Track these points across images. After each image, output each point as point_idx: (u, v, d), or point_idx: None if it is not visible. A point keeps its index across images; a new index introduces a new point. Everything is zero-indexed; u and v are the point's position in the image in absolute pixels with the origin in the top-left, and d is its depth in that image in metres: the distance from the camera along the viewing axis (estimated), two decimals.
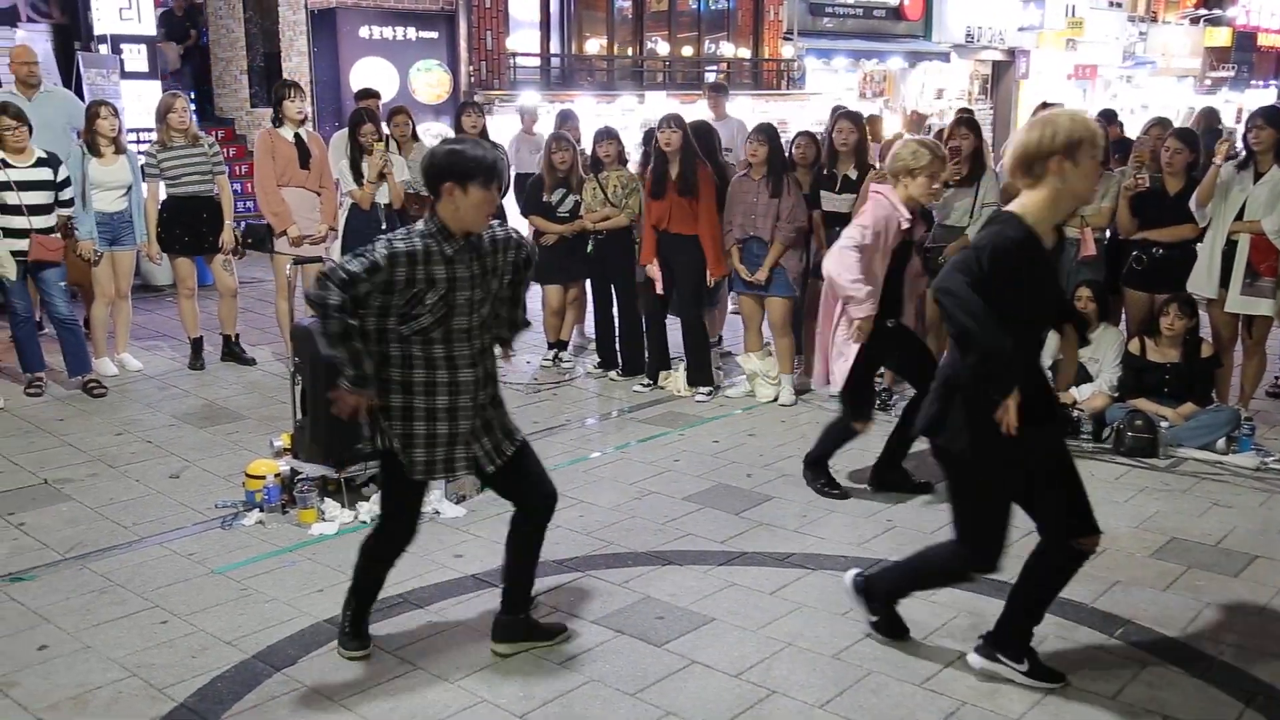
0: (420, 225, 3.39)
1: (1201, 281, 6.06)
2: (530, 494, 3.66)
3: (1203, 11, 27.99)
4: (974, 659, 3.59)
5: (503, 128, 11.57)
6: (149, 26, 10.86)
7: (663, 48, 17.31)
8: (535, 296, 8.02)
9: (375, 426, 3.51)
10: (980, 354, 3.12)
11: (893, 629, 3.81)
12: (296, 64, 13.51)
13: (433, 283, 3.33)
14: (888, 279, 5.02)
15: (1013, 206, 3.26)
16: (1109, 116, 9.20)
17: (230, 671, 3.61)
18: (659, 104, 15.20)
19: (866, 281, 4.88)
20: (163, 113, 7.35)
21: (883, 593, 3.78)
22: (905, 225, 4.97)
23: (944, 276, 3.19)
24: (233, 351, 7.72)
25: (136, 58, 10.58)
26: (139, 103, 10.13)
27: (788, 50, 18.47)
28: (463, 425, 3.48)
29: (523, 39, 15.18)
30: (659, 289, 6.95)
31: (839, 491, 5.24)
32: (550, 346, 7.78)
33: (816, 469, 5.34)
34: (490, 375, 3.57)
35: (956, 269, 3.17)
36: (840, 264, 4.91)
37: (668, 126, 6.65)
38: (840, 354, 5.05)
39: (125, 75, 10.43)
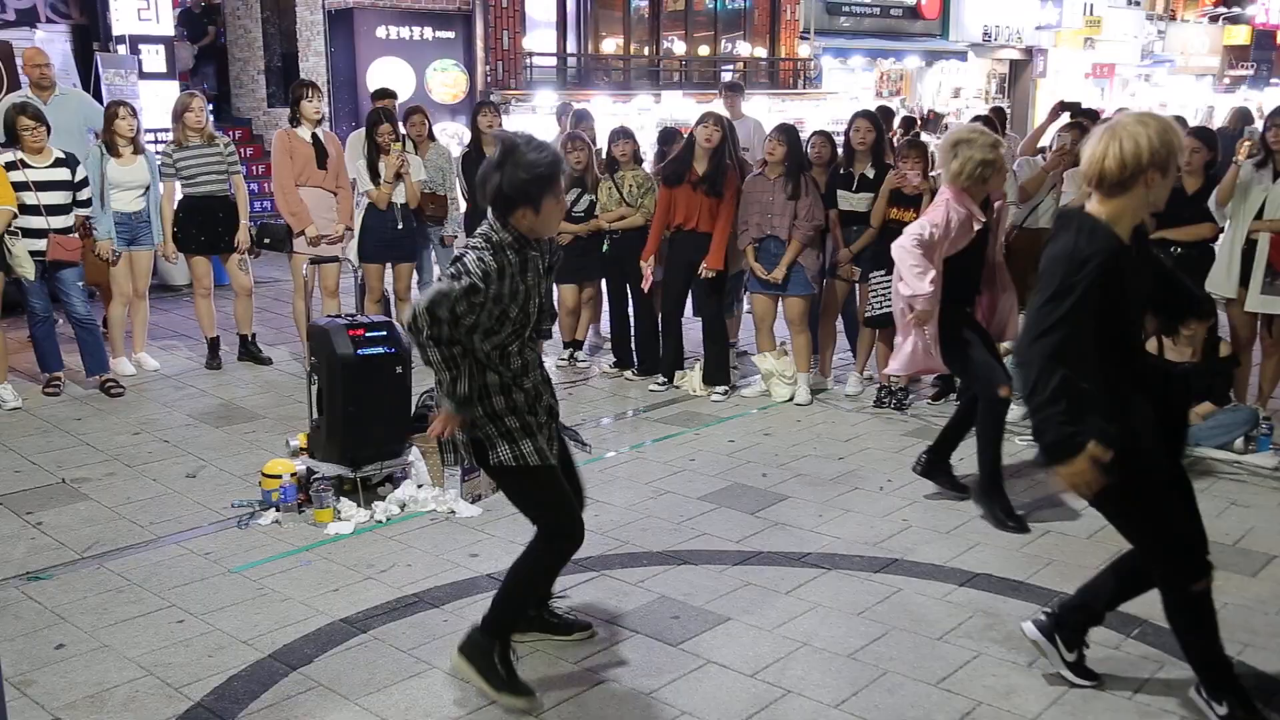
0: (496, 235, 3.28)
1: (1221, 280, 6.02)
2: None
3: (1222, 10, 27.80)
4: (1029, 627, 3.53)
5: (519, 127, 11.58)
6: (167, 27, 10.93)
7: (679, 47, 17.30)
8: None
9: (468, 444, 3.42)
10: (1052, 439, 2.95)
11: (1085, 671, 3.49)
12: (313, 64, 13.56)
13: (515, 295, 3.28)
14: (965, 267, 4.95)
15: (1092, 210, 3.06)
16: None
17: (246, 670, 3.62)
18: (675, 104, 15.21)
19: (927, 270, 4.81)
20: (179, 112, 7.38)
21: (1079, 622, 3.46)
22: (979, 225, 4.92)
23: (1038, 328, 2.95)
24: (249, 351, 7.75)
25: (155, 58, 10.65)
26: (156, 102, 10.19)
27: (804, 49, 18.44)
28: (541, 417, 3.44)
29: (539, 39, 15.20)
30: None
31: (1014, 525, 4.80)
32: (565, 346, 7.79)
33: (991, 494, 4.90)
34: (542, 363, 3.55)
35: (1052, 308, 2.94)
36: (903, 253, 4.87)
37: (711, 123, 6.65)
38: (905, 343, 4.99)
39: (143, 75, 10.50)
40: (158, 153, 7.56)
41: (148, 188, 7.28)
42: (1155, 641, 3.77)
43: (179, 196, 7.38)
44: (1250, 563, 4.44)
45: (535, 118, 13.10)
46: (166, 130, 8.83)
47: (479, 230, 3.34)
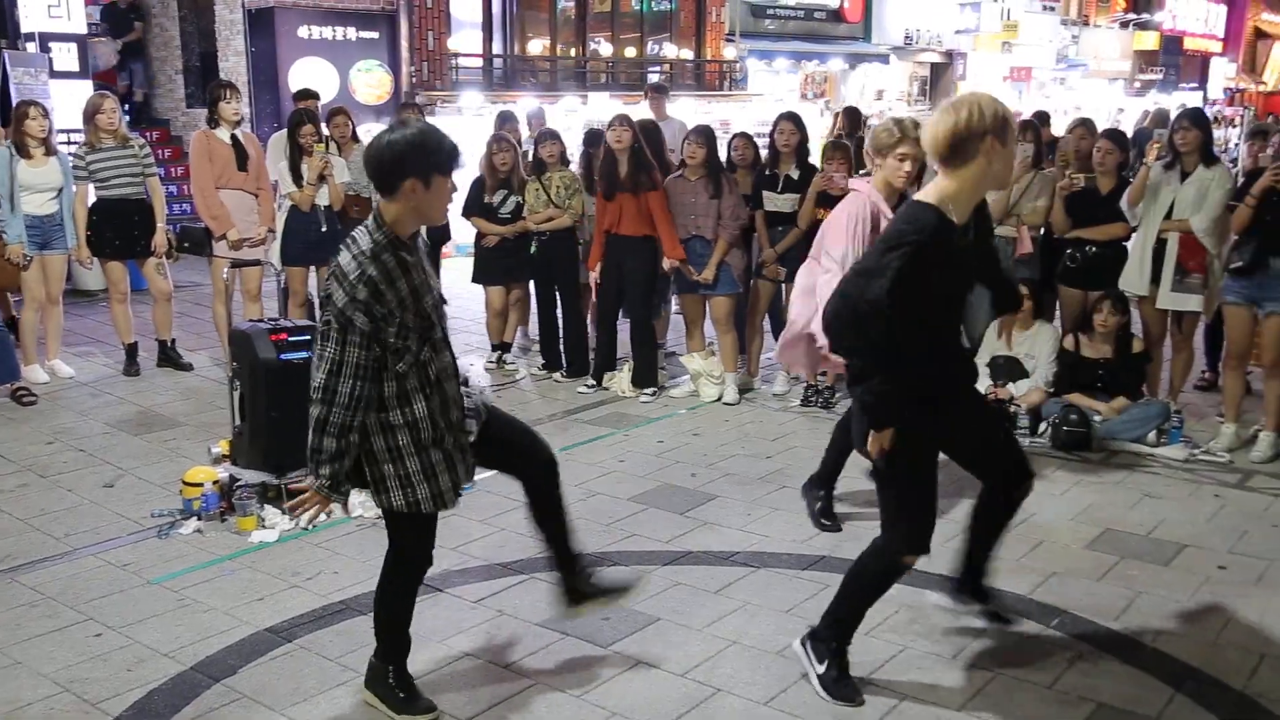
0: (366, 241, 3.02)
1: (1133, 279, 6.19)
2: (521, 463, 3.50)
3: (1131, 15, 28.61)
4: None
5: (444, 129, 11.49)
6: (79, 25, 10.64)
7: (605, 49, 17.32)
8: (478, 298, 7.99)
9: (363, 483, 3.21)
10: (876, 389, 3.19)
11: (846, 689, 3.49)
12: (233, 64, 13.32)
13: (402, 302, 3.03)
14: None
15: (927, 195, 3.17)
16: (1042, 118, 9.37)
17: (168, 684, 3.55)
18: (602, 105, 15.20)
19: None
20: (90, 113, 7.19)
21: (831, 638, 3.53)
22: (887, 220, 4.83)
23: (853, 286, 3.15)
24: (169, 357, 7.59)
25: (66, 56, 10.35)
26: (69, 102, 9.91)
27: (730, 51, 18.57)
28: (456, 439, 3.24)
29: (465, 39, 15.10)
30: (594, 296, 6.97)
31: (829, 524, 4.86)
32: (494, 348, 7.75)
33: (815, 489, 4.95)
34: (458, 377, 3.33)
35: (864, 275, 3.14)
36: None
37: (619, 125, 6.66)
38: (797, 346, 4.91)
39: (54, 75, 10.20)
40: (70, 154, 7.37)
41: (61, 190, 7.09)
42: (1074, 631, 3.87)
43: (92, 199, 7.20)
44: (1162, 552, 4.57)
45: (461, 119, 13.01)
46: (79, 131, 8.62)
47: (350, 241, 3.07)
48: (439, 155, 3.05)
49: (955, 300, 3.34)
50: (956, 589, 3.90)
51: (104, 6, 12.85)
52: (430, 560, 3.38)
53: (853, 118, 10.52)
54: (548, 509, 3.55)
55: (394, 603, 3.38)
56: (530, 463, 3.51)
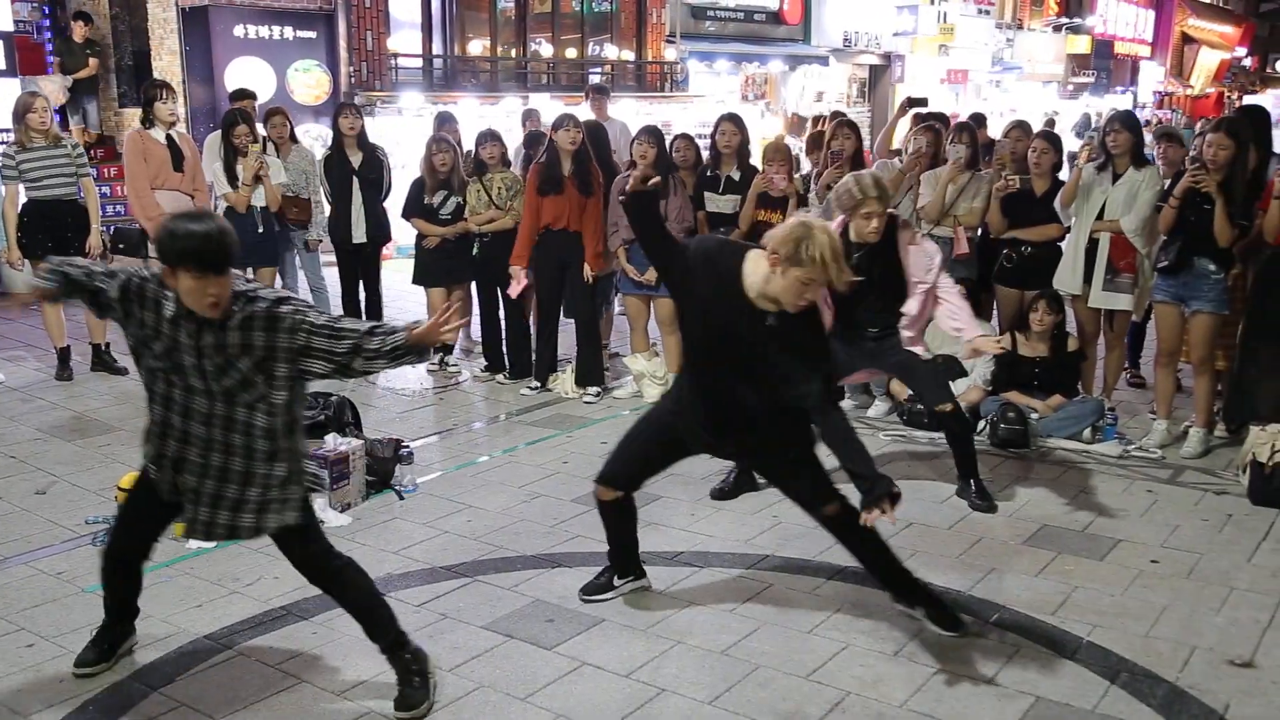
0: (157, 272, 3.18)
1: (1066, 278, 6.30)
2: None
3: (1064, 20, 29.16)
4: None
5: (384, 130, 11.40)
6: (6, 22, 10.38)
7: (546, 49, 17.26)
8: (419, 300, 7.94)
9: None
10: None
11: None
12: (167, 63, 13.06)
13: (158, 334, 3.17)
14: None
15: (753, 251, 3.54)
16: (978, 120, 9.51)
17: (103, 694, 3.48)
18: (543, 106, 15.12)
19: None
20: (21, 112, 7.03)
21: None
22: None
23: None
24: (103, 361, 7.44)
25: None
26: None
27: (670, 53, 18.60)
28: (182, 475, 3.31)
29: (404, 39, 14.97)
30: (514, 293, 6.93)
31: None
32: (435, 351, 7.69)
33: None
34: (234, 448, 3.24)
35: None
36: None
37: (573, 126, 6.66)
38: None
39: None
40: None
41: None
42: (1013, 626, 3.94)
43: (23, 200, 7.03)
44: (1098, 547, 4.67)
45: (401, 119, 12.91)
46: (7, 130, 8.41)
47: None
48: (173, 248, 3.05)
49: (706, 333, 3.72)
50: (893, 599, 4.00)
51: (59, 39, 12.31)
52: (117, 538, 3.56)
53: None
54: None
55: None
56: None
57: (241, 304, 3.14)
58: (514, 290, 6.95)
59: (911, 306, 5.03)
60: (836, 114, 9.29)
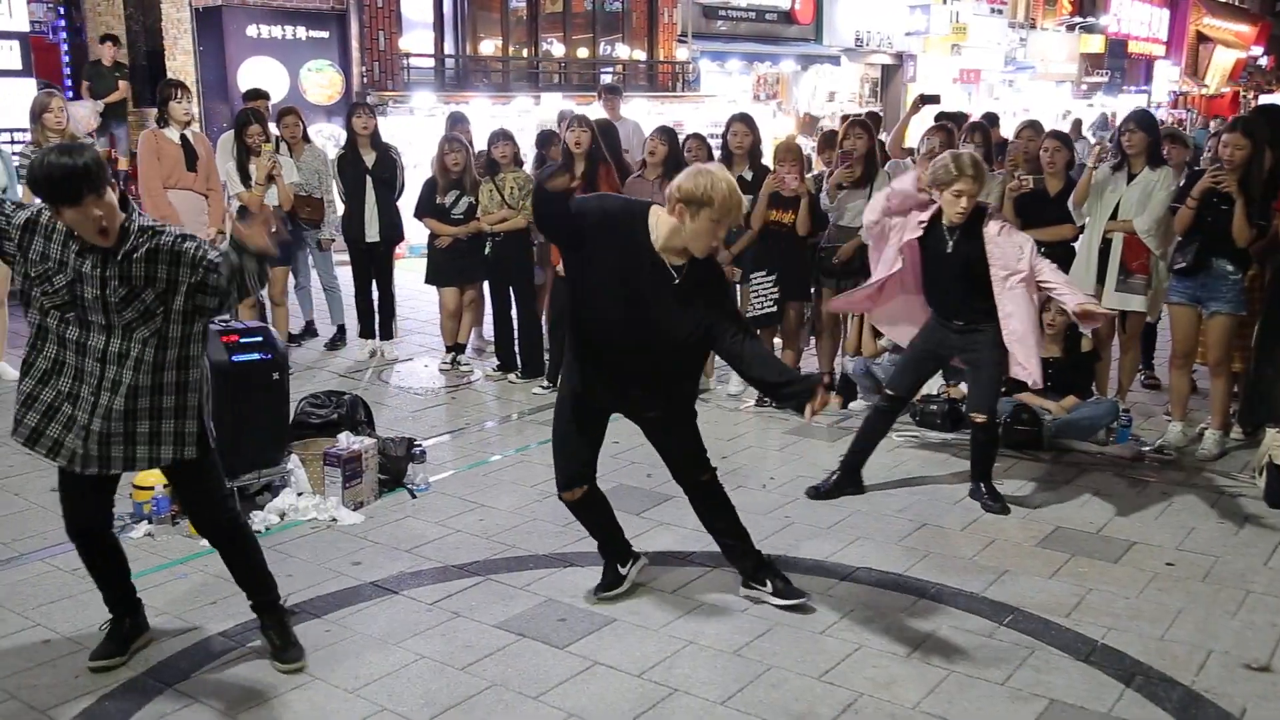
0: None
1: (1079, 278, 6.27)
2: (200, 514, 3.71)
3: (1078, 19, 29.07)
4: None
5: (396, 129, 11.42)
6: (21, 22, 10.43)
7: (558, 49, 17.28)
8: (432, 299, 7.95)
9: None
10: None
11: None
12: (181, 63, 13.13)
13: (62, 266, 3.23)
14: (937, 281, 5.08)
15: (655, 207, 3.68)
16: (991, 119, 9.49)
17: (118, 690, 3.49)
18: (555, 105, 15.17)
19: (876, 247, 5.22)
20: (37, 112, 7.05)
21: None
22: (921, 222, 5.02)
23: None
24: None
25: (8, 55, 10.13)
26: (12, 101, 9.71)
27: (682, 52, 18.61)
28: (71, 409, 3.33)
29: (416, 39, 15.01)
30: (548, 296, 6.97)
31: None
32: (448, 350, 7.71)
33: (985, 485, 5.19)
34: (130, 387, 3.30)
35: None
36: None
37: (578, 126, 6.66)
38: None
39: None
40: (15, 154, 7.22)
41: (5, 190, 6.95)
42: (1026, 629, 3.92)
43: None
44: (1112, 549, 4.65)
45: (413, 119, 12.93)
46: (23, 130, 8.45)
47: None
48: (29, 182, 3.18)
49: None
50: (743, 584, 4.20)
51: (89, 63, 12.30)
52: (65, 514, 3.62)
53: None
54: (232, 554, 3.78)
55: None
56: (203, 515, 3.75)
57: (147, 237, 3.27)
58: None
59: (1007, 305, 4.87)
60: (852, 116, 9.27)
